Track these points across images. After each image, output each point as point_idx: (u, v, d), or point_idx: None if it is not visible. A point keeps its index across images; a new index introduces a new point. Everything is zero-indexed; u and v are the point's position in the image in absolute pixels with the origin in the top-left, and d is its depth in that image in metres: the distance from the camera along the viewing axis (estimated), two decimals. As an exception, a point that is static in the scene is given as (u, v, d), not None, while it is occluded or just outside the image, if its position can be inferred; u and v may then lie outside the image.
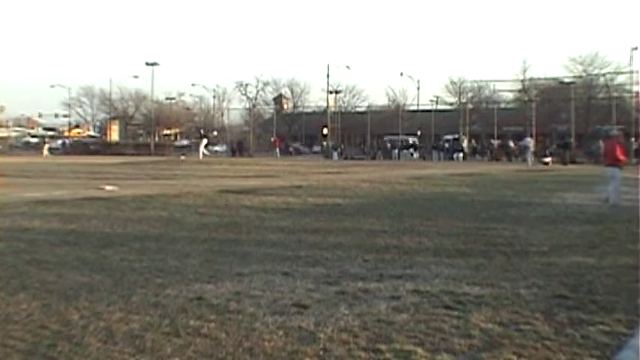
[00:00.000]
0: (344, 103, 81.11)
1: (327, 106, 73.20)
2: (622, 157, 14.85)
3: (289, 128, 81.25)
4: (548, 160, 41.68)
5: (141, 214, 11.27)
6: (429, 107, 75.18)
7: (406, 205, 13.76)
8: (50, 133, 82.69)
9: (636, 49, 59.18)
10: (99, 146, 63.63)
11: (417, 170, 31.07)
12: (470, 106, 73.02)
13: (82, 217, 10.61)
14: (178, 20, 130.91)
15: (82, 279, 5.98)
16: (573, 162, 43.02)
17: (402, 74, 73.82)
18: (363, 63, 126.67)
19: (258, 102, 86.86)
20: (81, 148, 61.56)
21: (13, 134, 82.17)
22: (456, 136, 63.51)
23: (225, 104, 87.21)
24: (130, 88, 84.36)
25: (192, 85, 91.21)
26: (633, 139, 48.31)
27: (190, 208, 12.21)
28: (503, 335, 4.39)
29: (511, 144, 51.92)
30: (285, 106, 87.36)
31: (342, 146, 64.76)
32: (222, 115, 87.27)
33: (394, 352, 4.03)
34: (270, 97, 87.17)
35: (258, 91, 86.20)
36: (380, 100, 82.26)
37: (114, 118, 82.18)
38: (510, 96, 75.12)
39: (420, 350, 4.06)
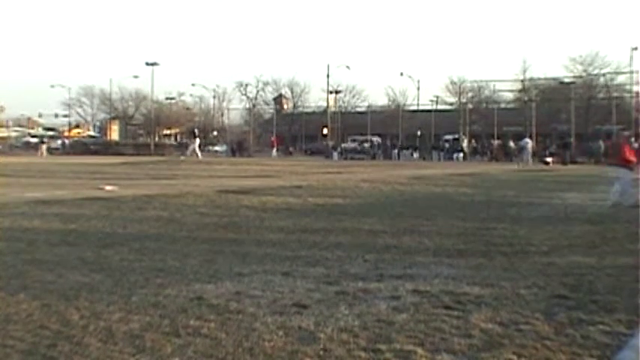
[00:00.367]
0: (344, 103, 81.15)
1: (327, 106, 73.21)
2: (632, 158, 14.73)
3: (289, 128, 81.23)
4: (549, 160, 41.68)
5: (141, 214, 11.27)
6: (429, 107, 75.20)
7: (406, 205, 13.76)
8: (50, 133, 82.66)
9: (636, 49, 59.22)
10: (99, 146, 63.60)
11: (417, 170, 31.08)
12: (470, 106, 73.04)
13: (82, 217, 10.60)
14: (178, 20, 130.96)
15: (82, 279, 5.98)
16: (573, 162, 43.03)
17: (402, 74, 73.88)
18: (363, 63, 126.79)
19: (258, 102, 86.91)
20: (81, 148, 61.56)
21: (13, 134, 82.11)
22: (456, 136, 63.53)
23: (225, 104, 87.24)
24: (130, 88, 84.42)
25: (192, 85, 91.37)
26: (633, 139, 48.31)
27: (190, 208, 12.21)
28: (503, 335, 4.39)
29: (511, 144, 51.91)
30: (285, 106, 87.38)
31: (342, 146, 64.67)
32: (222, 115, 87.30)
33: (394, 352, 4.03)
34: (270, 97, 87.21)
35: (258, 91, 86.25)
36: (380, 100, 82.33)
37: (114, 118, 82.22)
38: (510, 96, 75.12)
39: (420, 350, 4.06)
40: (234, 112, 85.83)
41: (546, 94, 70.26)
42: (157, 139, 75.96)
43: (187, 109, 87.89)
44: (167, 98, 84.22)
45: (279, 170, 29.12)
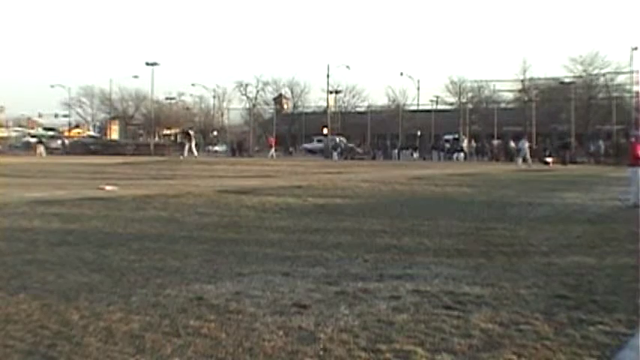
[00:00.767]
0: (344, 103, 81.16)
1: (327, 106, 73.19)
2: None
3: (289, 128, 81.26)
4: (549, 160, 41.67)
5: (141, 214, 11.27)
6: (429, 107, 75.21)
7: (406, 205, 13.76)
8: (50, 133, 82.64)
9: (636, 49, 59.20)
10: (99, 146, 63.59)
11: (417, 170, 31.07)
12: (470, 106, 73.06)
13: (82, 217, 10.60)
14: (178, 20, 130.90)
15: (82, 279, 5.97)
16: (573, 162, 43.02)
17: (402, 74, 73.85)
18: (363, 63, 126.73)
19: (258, 102, 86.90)
20: (81, 148, 61.56)
21: (13, 134, 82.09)
22: (456, 136, 63.55)
23: (225, 104, 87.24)
24: (130, 88, 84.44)
25: (192, 85, 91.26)
26: (633, 139, 48.29)
27: (190, 208, 12.21)
28: (503, 335, 4.39)
29: (512, 144, 51.92)
30: (285, 106, 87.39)
31: (343, 146, 64.67)
32: (222, 115, 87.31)
33: (394, 352, 4.03)
34: (270, 97, 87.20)
35: (258, 91, 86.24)
36: (380, 100, 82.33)
37: (114, 118, 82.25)
38: (510, 96, 75.12)
39: (420, 350, 4.06)
40: (234, 112, 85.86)
41: (546, 94, 70.28)
42: (156, 139, 75.97)
43: (187, 109, 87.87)
44: (167, 98, 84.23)
45: (279, 170, 29.12)
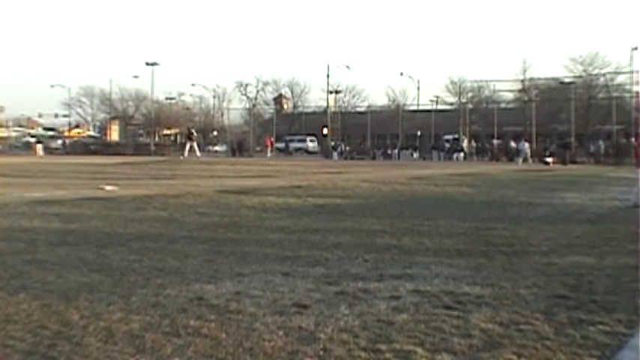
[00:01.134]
0: (344, 103, 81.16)
1: (327, 106, 73.22)
2: None
3: (289, 128, 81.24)
4: (549, 160, 41.68)
5: (141, 214, 11.27)
6: (429, 107, 75.22)
7: (406, 205, 13.76)
8: (50, 133, 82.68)
9: (636, 49, 59.24)
10: (99, 146, 63.65)
11: (417, 170, 31.07)
12: (470, 106, 73.06)
13: (82, 217, 10.60)
14: (178, 20, 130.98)
15: (82, 279, 5.97)
16: (573, 162, 43.03)
17: (402, 74, 73.95)
18: (363, 63, 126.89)
19: (258, 102, 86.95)
20: (81, 148, 61.64)
21: (13, 134, 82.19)
22: (456, 136, 63.55)
23: (225, 104, 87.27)
24: (130, 88, 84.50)
25: (192, 85, 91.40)
26: (633, 139, 48.33)
27: (190, 208, 12.21)
28: (503, 335, 4.39)
29: (512, 144, 51.95)
30: (285, 106, 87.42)
31: (343, 145, 64.63)
32: (222, 115, 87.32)
33: (394, 352, 4.03)
34: (270, 97, 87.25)
35: (258, 91, 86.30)
36: (380, 100, 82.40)
37: (114, 118, 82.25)
38: (510, 96, 75.15)
39: (420, 350, 4.05)
40: (234, 112, 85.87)
41: (546, 94, 70.29)
42: (156, 139, 75.97)
43: (187, 109, 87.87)
44: (167, 98, 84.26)
45: (279, 170, 29.12)
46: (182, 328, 4.44)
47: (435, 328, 4.51)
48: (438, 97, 77.34)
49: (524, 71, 70.99)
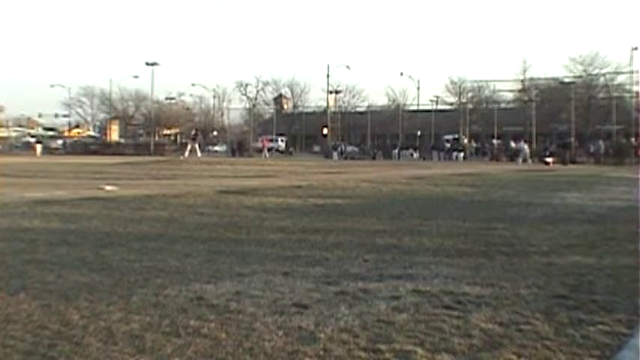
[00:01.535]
0: (344, 103, 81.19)
1: (327, 106, 73.24)
2: None
3: (289, 128, 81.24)
4: (549, 160, 41.69)
5: (141, 214, 11.26)
6: (429, 107, 75.26)
7: (406, 205, 13.76)
8: (50, 133, 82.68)
9: (636, 49, 59.35)
10: (99, 146, 63.67)
11: (417, 170, 31.08)
12: (470, 106, 73.10)
13: (82, 217, 10.60)
14: (178, 20, 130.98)
15: (82, 279, 5.97)
16: (573, 162, 43.05)
17: (402, 74, 73.98)
18: (363, 63, 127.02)
19: (258, 102, 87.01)
20: (81, 148, 61.65)
21: (13, 134, 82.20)
22: (456, 136, 63.58)
23: (225, 104, 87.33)
24: (130, 88, 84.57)
25: (192, 85, 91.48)
26: (633, 139, 48.35)
27: (190, 208, 12.21)
28: (503, 335, 4.39)
29: (512, 144, 51.98)
30: (285, 106, 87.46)
31: (343, 145, 64.62)
32: (222, 115, 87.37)
33: (394, 352, 4.03)
34: (270, 97, 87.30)
35: (258, 91, 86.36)
36: (380, 100, 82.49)
37: (114, 118, 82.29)
38: (510, 96, 75.24)
39: (420, 350, 4.05)
40: (234, 112, 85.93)
41: (546, 94, 70.34)
42: (157, 139, 75.97)
43: (187, 109, 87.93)
44: (167, 98, 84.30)
45: (279, 170, 29.12)
46: (182, 328, 4.44)
47: (435, 328, 4.51)
48: (438, 97, 77.42)
49: (524, 71, 71.10)
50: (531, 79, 70.95)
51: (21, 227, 9.33)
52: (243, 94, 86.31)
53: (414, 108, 77.16)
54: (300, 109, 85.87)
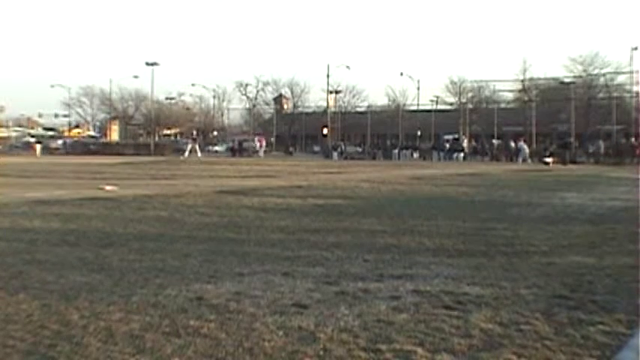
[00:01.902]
0: (344, 103, 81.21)
1: (327, 106, 73.22)
2: None
3: (289, 128, 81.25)
4: (549, 160, 41.66)
5: (141, 214, 11.26)
6: (429, 107, 75.25)
7: (406, 205, 13.76)
8: (50, 133, 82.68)
9: (636, 49, 59.29)
10: (99, 146, 63.65)
11: (417, 170, 31.07)
12: (470, 106, 73.11)
13: (82, 217, 10.60)
14: (178, 20, 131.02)
15: (82, 279, 5.97)
16: (573, 162, 43.02)
17: (402, 74, 73.91)
18: (363, 63, 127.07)
19: (258, 102, 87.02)
20: (81, 148, 61.63)
21: (13, 134, 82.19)
22: (456, 136, 63.57)
23: (225, 104, 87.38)
24: (130, 88, 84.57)
25: (192, 85, 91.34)
26: (633, 139, 48.36)
27: (190, 208, 12.21)
28: (503, 335, 4.39)
29: (512, 144, 51.98)
30: (285, 106, 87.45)
31: (343, 145, 64.61)
32: (222, 115, 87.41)
33: (394, 352, 4.03)
34: (270, 97, 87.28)
35: (258, 91, 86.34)
36: (380, 100, 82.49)
37: (114, 118, 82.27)
38: (510, 96, 75.24)
39: (420, 350, 4.05)
40: (234, 112, 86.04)
41: (546, 94, 70.35)
42: (157, 139, 75.98)
43: (187, 109, 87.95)
44: (167, 98, 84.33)
45: (279, 170, 29.12)
46: (182, 328, 4.44)
47: (435, 328, 4.51)
48: (438, 97, 77.40)
49: (524, 71, 71.03)
50: (531, 79, 70.94)
51: (21, 227, 9.34)
52: (243, 94, 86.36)
53: (414, 108, 77.13)
54: (300, 109, 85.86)
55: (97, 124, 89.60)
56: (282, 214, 11.63)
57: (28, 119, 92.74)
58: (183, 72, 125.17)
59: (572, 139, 55.04)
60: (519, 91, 72.08)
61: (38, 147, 59.03)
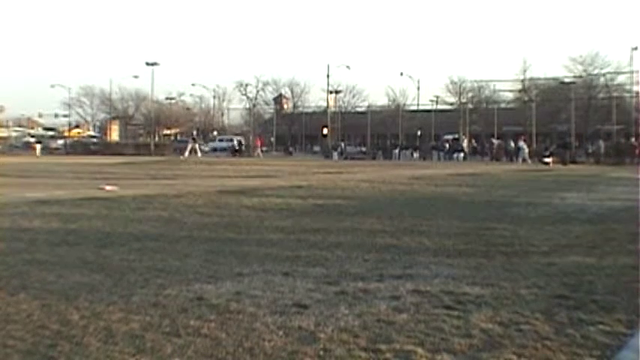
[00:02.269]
0: (344, 103, 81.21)
1: (327, 106, 73.21)
2: None
3: (289, 128, 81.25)
4: (549, 160, 41.65)
5: (141, 214, 11.26)
6: (429, 107, 75.23)
7: (406, 205, 13.76)
8: (50, 133, 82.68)
9: (636, 49, 59.32)
10: (99, 146, 63.67)
11: (417, 170, 31.08)
12: (470, 106, 73.11)
13: (82, 217, 10.60)
14: (178, 20, 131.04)
15: (82, 279, 5.97)
16: (573, 162, 43.01)
17: (402, 74, 73.88)
18: (363, 63, 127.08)
19: (258, 102, 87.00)
20: (81, 148, 61.66)
21: (13, 134, 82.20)
22: (456, 136, 63.54)
23: (225, 104, 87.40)
24: (130, 88, 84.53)
25: (192, 85, 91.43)
26: (633, 139, 48.36)
27: (190, 208, 12.21)
28: (503, 335, 4.39)
29: (512, 144, 51.97)
30: (285, 106, 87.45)
31: (343, 145, 64.56)
32: (222, 115, 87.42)
33: (394, 352, 4.03)
34: (270, 97, 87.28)
35: (258, 91, 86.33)
36: (380, 100, 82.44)
37: (114, 118, 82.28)
38: (510, 96, 75.19)
39: (420, 350, 4.05)
40: (234, 112, 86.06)
41: (546, 94, 70.31)
42: (157, 139, 75.98)
43: (187, 109, 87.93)
44: (167, 98, 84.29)
45: (280, 170, 29.12)
46: (182, 328, 4.44)
47: (435, 328, 4.51)
48: (438, 97, 77.37)
49: (524, 71, 71.03)
50: (531, 79, 70.93)
51: (21, 227, 9.33)
52: (243, 94, 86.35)
53: (414, 108, 77.12)
54: (300, 109, 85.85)
55: (97, 124, 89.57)
56: (283, 214, 11.63)
57: (28, 119, 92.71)
58: (183, 72, 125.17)
59: (572, 139, 55.05)
60: (519, 91, 72.05)
61: (38, 147, 59.11)
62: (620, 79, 66.16)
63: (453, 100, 77.09)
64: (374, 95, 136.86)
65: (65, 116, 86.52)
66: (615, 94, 65.39)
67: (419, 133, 68.71)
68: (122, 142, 69.24)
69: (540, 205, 13.84)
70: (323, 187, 18.38)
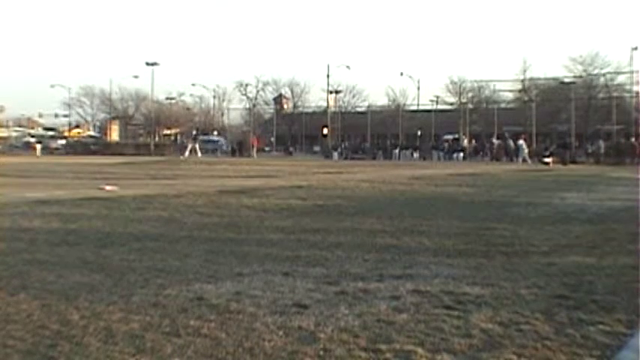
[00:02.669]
0: (344, 103, 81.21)
1: (327, 106, 73.23)
2: None
3: (289, 128, 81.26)
4: (549, 160, 41.64)
5: (141, 214, 11.26)
6: (429, 107, 75.24)
7: (406, 205, 13.76)
8: (50, 133, 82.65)
9: (636, 49, 59.33)
10: (99, 146, 63.68)
11: (417, 170, 31.08)
12: (470, 106, 73.12)
13: (82, 217, 10.60)
14: (178, 20, 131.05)
15: (82, 279, 5.97)
16: (573, 162, 43.01)
17: (402, 74, 73.87)
18: (363, 63, 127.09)
19: (258, 102, 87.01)
20: (81, 148, 61.66)
21: (13, 134, 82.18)
22: (456, 136, 63.56)
23: (225, 104, 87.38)
24: (130, 88, 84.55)
25: (192, 85, 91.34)
26: (633, 139, 48.37)
27: (190, 208, 12.21)
28: (503, 335, 4.39)
29: (512, 144, 51.95)
30: (285, 106, 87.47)
31: (343, 145, 64.55)
32: (222, 115, 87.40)
33: (394, 352, 4.03)
34: (270, 97, 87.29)
35: (258, 91, 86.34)
36: (380, 100, 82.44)
37: (114, 118, 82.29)
38: (510, 96, 75.20)
39: (420, 350, 4.05)
40: (234, 112, 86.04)
41: (546, 94, 70.32)
42: (157, 139, 75.97)
43: (187, 109, 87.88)
44: (167, 98, 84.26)
45: (280, 170, 29.12)
46: (182, 328, 4.44)
47: (435, 328, 4.51)
48: (438, 97, 77.36)
49: (524, 71, 71.04)
50: (531, 79, 70.93)
51: (21, 227, 9.33)
52: (243, 94, 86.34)
53: (414, 108, 77.10)
54: (300, 109, 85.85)
55: (97, 124, 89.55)
56: (283, 214, 11.63)
57: (28, 119, 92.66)
58: (183, 72, 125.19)
59: (572, 139, 55.06)
60: (519, 91, 72.06)
61: (38, 147, 59.14)
62: (620, 79, 66.20)
63: (453, 100, 77.11)
64: (374, 95, 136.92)
65: (65, 116, 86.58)
66: (615, 94, 65.40)
67: (419, 133, 68.71)
68: (122, 142, 69.25)
69: (540, 205, 13.84)
70: (323, 187, 18.38)
